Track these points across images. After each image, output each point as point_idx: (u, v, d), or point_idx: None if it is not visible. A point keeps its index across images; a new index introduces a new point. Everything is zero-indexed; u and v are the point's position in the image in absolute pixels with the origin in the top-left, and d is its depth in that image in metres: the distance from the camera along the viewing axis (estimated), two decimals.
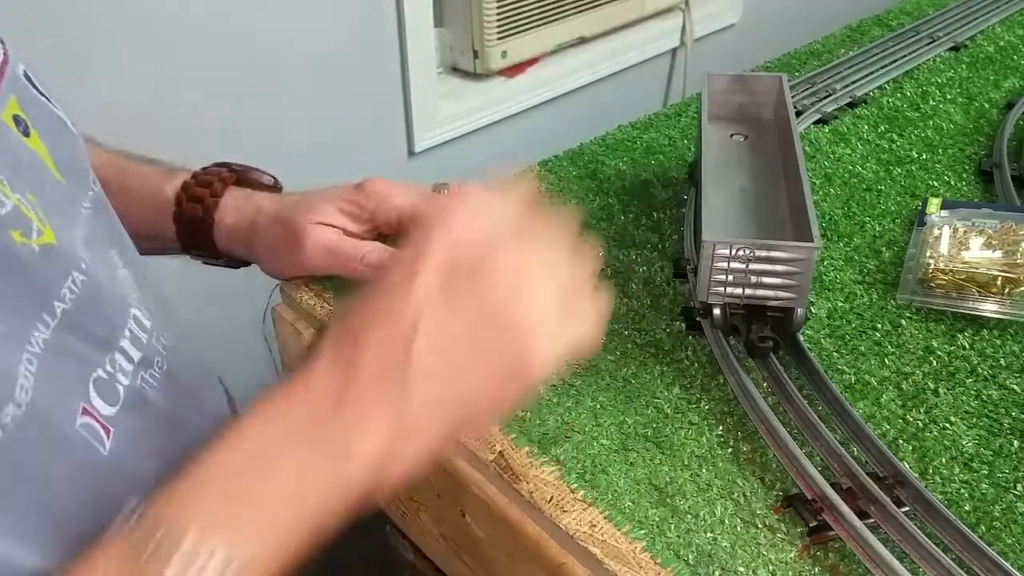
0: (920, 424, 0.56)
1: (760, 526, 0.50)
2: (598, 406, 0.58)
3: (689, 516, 0.50)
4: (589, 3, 1.49)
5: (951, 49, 1.06)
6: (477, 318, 0.38)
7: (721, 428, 0.56)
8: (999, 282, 0.63)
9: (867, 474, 0.50)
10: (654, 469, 0.53)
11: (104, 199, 0.47)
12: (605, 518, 0.50)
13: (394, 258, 0.41)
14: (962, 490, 0.52)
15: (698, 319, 0.62)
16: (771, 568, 0.48)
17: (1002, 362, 0.60)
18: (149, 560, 0.32)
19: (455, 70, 1.45)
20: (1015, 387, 0.58)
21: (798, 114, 0.90)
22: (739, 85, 0.77)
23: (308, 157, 1.21)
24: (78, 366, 0.40)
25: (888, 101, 0.94)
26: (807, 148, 0.86)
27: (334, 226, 0.63)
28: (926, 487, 0.50)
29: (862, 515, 0.48)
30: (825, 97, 0.93)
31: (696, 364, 0.61)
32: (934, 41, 1.06)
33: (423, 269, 0.38)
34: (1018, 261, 0.64)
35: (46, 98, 0.44)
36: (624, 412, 0.57)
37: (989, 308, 0.63)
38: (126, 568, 0.33)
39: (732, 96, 0.77)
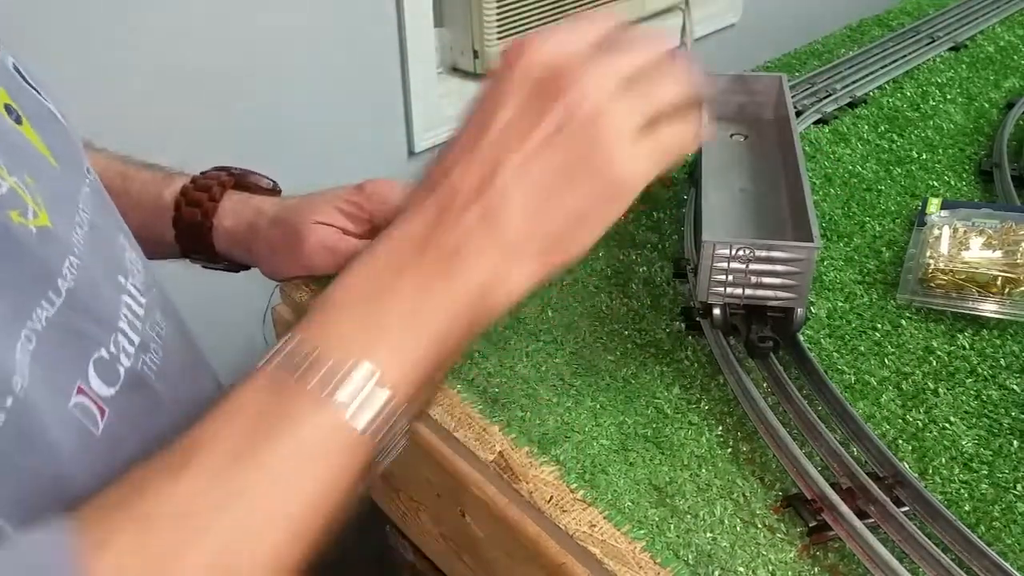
0: (920, 424, 0.56)
1: (760, 526, 0.50)
2: (598, 406, 0.58)
3: (689, 516, 0.50)
4: (589, 3, 1.49)
5: (951, 49, 1.06)
6: (565, 140, 0.39)
7: (721, 428, 0.56)
8: (999, 282, 0.63)
9: (867, 474, 0.50)
10: (654, 469, 0.53)
11: (102, 187, 0.48)
12: (605, 518, 0.50)
13: (482, 88, 0.42)
14: (962, 490, 0.51)
15: (698, 319, 0.62)
16: (771, 568, 0.48)
17: (1002, 362, 0.60)
18: (299, 379, 0.34)
19: (455, 70, 1.45)
20: (1015, 387, 0.58)
21: (798, 114, 0.90)
22: (739, 85, 0.77)
23: (308, 157, 1.21)
24: (80, 345, 0.40)
25: (888, 101, 0.94)
26: (807, 148, 0.86)
27: (334, 226, 0.63)
28: (926, 487, 0.50)
29: (862, 515, 0.48)
30: (825, 97, 0.93)
31: (696, 364, 0.61)
32: (934, 41, 1.06)
33: (506, 94, 0.39)
34: (1018, 261, 0.64)
35: (35, 90, 0.44)
36: (624, 412, 0.57)
37: (989, 308, 0.63)
38: (276, 389, 0.35)
39: (732, 96, 0.77)
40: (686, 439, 0.55)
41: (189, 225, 0.63)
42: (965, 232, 0.68)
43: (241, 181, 0.66)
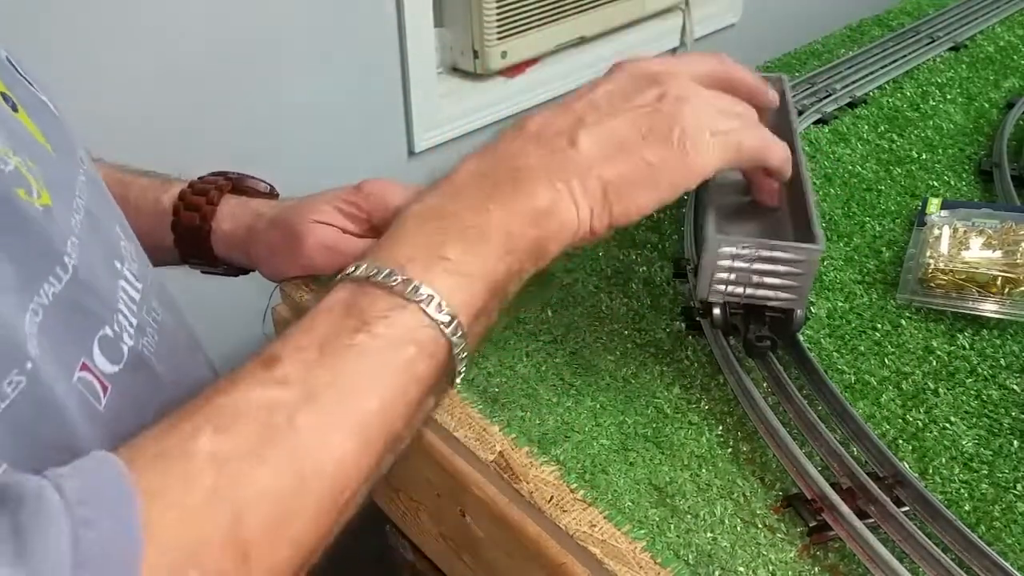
0: (920, 424, 0.56)
1: (760, 526, 0.50)
2: (598, 406, 0.58)
3: (689, 516, 0.50)
4: (589, 3, 1.49)
5: (951, 49, 1.06)
6: (652, 113, 0.44)
7: (721, 428, 0.56)
8: (999, 282, 0.63)
9: (867, 474, 0.50)
10: (654, 469, 0.53)
11: (98, 176, 0.48)
12: (605, 518, 0.50)
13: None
14: (962, 490, 0.51)
15: (698, 319, 0.62)
16: (771, 568, 0.48)
17: (1002, 362, 0.60)
18: (379, 285, 0.37)
19: (455, 70, 1.44)
20: (1015, 387, 0.58)
21: (798, 114, 0.90)
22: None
23: (308, 157, 1.21)
24: (86, 322, 0.40)
25: (888, 101, 0.94)
26: (807, 148, 0.86)
27: (333, 225, 0.63)
28: (926, 487, 0.50)
29: (862, 515, 0.48)
30: (825, 97, 0.93)
31: (696, 364, 0.61)
32: (934, 41, 1.06)
33: (610, 79, 0.47)
34: (1018, 261, 0.64)
35: (29, 82, 0.45)
36: (624, 412, 0.57)
37: (989, 308, 0.63)
38: (349, 301, 0.37)
39: None
40: (686, 439, 0.55)
41: (188, 229, 0.64)
42: (965, 232, 0.68)
43: (238, 185, 0.67)
